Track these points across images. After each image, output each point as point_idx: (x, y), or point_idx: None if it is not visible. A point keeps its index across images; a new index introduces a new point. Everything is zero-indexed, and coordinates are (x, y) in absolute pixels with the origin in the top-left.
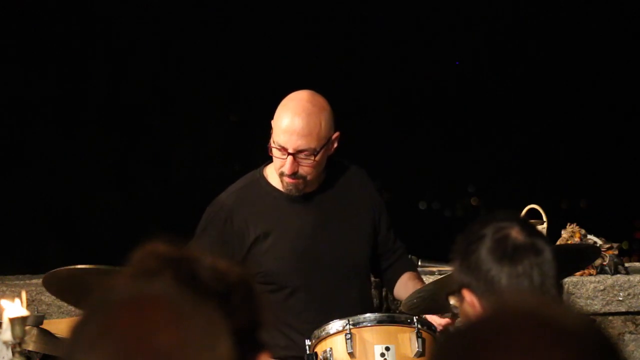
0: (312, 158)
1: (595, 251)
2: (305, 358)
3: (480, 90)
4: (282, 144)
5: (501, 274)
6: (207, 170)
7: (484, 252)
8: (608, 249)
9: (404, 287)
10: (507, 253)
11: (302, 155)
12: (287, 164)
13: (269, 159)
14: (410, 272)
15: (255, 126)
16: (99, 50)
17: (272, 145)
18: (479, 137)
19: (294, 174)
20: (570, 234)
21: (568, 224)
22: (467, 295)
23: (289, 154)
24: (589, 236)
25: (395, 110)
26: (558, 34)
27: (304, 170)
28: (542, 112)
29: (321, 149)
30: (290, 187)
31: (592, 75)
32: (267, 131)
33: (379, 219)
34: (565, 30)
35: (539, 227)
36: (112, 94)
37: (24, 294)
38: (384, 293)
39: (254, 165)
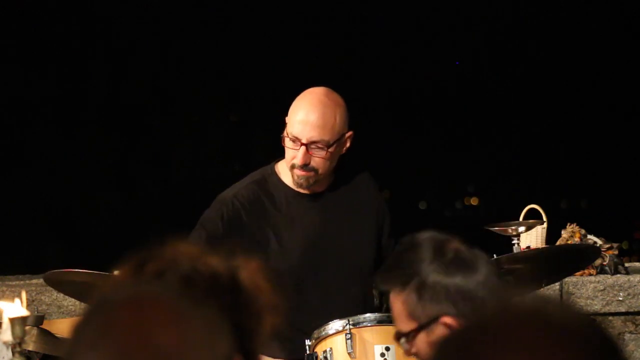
0: (325, 150)
1: (595, 251)
2: (305, 358)
3: (480, 90)
4: (296, 135)
5: (477, 284)
6: (207, 170)
7: (446, 272)
8: (608, 249)
9: None
10: (469, 263)
11: (315, 147)
12: (299, 155)
13: (269, 159)
14: None
15: (255, 126)
16: (99, 50)
17: (286, 136)
18: (479, 137)
19: (305, 166)
20: (570, 234)
21: (568, 224)
22: (449, 320)
23: (302, 144)
24: (589, 236)
25: (395, 110)
26: (558, 34)
27: (315, 162)
28: (542, 112)
29: (334, 142)
30: (301, 180)
31: (592, 75)
32: (267, 131)
33: (383, 224)
34: (565, 30)
35: (539, 227)
36: (112, 94)
37: (24, 294)
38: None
39: (254, 165)
